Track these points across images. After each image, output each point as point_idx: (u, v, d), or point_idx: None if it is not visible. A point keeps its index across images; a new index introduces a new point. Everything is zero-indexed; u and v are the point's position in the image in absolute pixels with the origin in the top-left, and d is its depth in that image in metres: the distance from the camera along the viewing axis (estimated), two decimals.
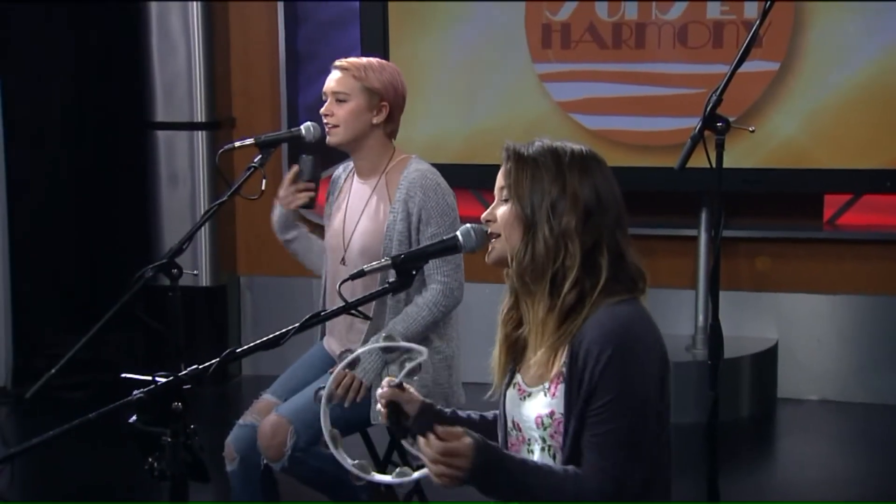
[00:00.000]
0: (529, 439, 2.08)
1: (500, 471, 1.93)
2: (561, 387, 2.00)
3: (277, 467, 2.93)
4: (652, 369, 1.97)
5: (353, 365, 2.87)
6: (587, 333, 1.97)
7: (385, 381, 2.12)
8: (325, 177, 3.27)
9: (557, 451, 2.03)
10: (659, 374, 1.99)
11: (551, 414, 2.02)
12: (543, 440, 2.05)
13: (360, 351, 2.16)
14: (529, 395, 2.07)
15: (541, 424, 2.04)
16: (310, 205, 3.13)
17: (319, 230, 3.26)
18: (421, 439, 1.92)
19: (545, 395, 2.04)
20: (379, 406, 2.12)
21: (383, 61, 3.06)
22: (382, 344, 2.14)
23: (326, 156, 3.23)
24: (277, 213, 3.16)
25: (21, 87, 5.27)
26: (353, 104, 2.97)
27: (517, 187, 2.03)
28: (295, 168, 3.12)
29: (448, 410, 2.21)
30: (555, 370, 2.02)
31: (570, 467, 1.96)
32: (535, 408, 2.05)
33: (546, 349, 2.03)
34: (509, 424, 2.12)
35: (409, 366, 2.04)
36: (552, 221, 2.00)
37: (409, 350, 2.06)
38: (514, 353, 2.13)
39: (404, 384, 2.11)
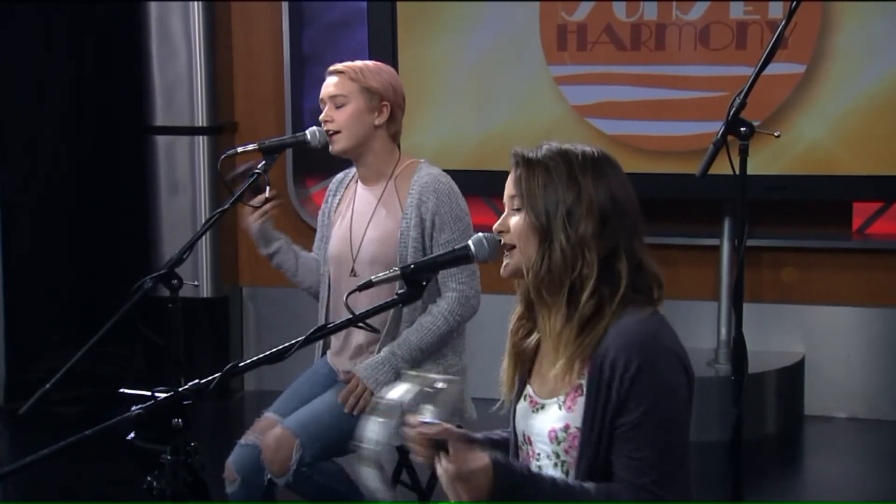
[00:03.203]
0: (539, 454, 2.08)
1: (525, 492, 1.92)
2: (580, 400, 2.00)
3: (282, 482, 2.93)
4: (679, 380, 1.98)
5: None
6: (611, 344, 1.97)
7: (415, 420, 1.99)
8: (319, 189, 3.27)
9: (571, 467, 2.03)
10: (686, 386, 1.99)
11: (566, 428, 2.02)
12: (557, 455, 2.05)
13: (402, 399, 2.02)
14: (542, 407, 2.07)
15: (554, 439, 2.04)
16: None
17: (307, 239, 3.24)
18: (437, 463, 1.91)
19: (560, 407, 2.04)
20: (415, 445, 1.99)
21: (379, 63, 3.08)
22: (417, 387, 2.03)
23: (329, 163, 3.23)
24: (254, 230, 3.09)
25: (16, 91, 5.30)
26: (353, 106, 2.98)
27: (529, 196, 2.03)
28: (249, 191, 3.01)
29: (481, 435, 2.21)
30: (572, 382, 2.02)
31: (603, 485, 1.96)
32: (549, 421, 2.05)
33: (565, 361, 2.02)
34: (520, 438, 2.12)
35: (437, 402, 2.00)
36: (568, 230, 2.00)
37: (439, 381, 2.02)
38: (523, 364, 2.13)
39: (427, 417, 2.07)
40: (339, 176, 3.20)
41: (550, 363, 2.06)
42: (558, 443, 2.04)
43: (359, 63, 3.03)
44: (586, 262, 1.99)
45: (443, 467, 1.91)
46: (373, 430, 1.98)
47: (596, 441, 1.98)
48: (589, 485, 1.96)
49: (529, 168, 2.04)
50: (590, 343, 2.00)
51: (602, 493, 1.94)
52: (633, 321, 1.98)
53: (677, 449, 1.98)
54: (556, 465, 2.05)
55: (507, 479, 1.92)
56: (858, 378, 4.83)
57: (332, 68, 3.04)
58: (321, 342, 3.17)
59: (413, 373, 2.08)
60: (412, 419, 2.02)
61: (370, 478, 1.99)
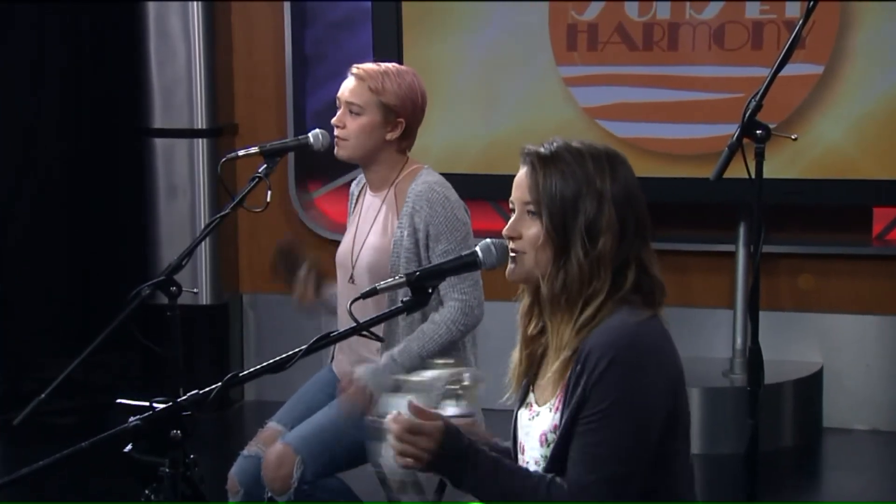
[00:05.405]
0: (529, 462, 2.08)
1: (468, 463, 1.94)
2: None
3: (283, 500, 2.93)
4: (657, 381, 1.96)
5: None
6: (592, 339, 1.98)
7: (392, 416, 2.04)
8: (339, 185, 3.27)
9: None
10: (669, 390, 1.98)
11: (554, 429, 2.03)
12: (545, 458, 2.04)
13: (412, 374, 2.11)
14: (538, 414, 2.08)
15: (544, 442, 2.04)
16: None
17: (308, 243, 3.26)
18: (389, 416, 1.94)
19: (550, 410, 2.04)
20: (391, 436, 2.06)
21: (402, 68, 3.06)
22: (435, 373, 2.09)
23: (332, 166, 3.24)
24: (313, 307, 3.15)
25: (12, 91, 5.31)
26: (367, 119, 2.98)
27: (549, 203, 2.02)
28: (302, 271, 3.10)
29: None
30: (563, 384, 2.02)
31: (550, 475, 1.96)
32: (541, 426, 2.06)
33: (560, 361, 2.03)
34: (518, 447, 2.13)
35: (462, 393, 2.03)
36: (587, 245, 1.99)
37: (459, 376, 2.05)
38: (533, 361, 2.13)
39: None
40: (353, 186, 3.21)
41: (550, 367, 2.07)
42: (548, 445, 2.04)
43: (381, 69, 3.00)
44: (601, 277, 2.00)
45: (393, 419, 1.93)
46: (398, 405, 2.01)
47: (563, 432, 1.98)
48: (535, 472, 1.97)
49: (546, 171, 2.03)
50: (580, 339, 2.00)
51: (542, 484, 1.94)
52: (620, 322, 1.98)
53: (641, 453, 1.95)
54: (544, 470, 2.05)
55: (457, 443, 1.94)
56: (879, 388, 4.81)
57: (354, 70, 3.01)
58: (329, 348, 3.18)
59: (441, 361, 2.14)
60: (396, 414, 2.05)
61: (389, 455, 2.00)
